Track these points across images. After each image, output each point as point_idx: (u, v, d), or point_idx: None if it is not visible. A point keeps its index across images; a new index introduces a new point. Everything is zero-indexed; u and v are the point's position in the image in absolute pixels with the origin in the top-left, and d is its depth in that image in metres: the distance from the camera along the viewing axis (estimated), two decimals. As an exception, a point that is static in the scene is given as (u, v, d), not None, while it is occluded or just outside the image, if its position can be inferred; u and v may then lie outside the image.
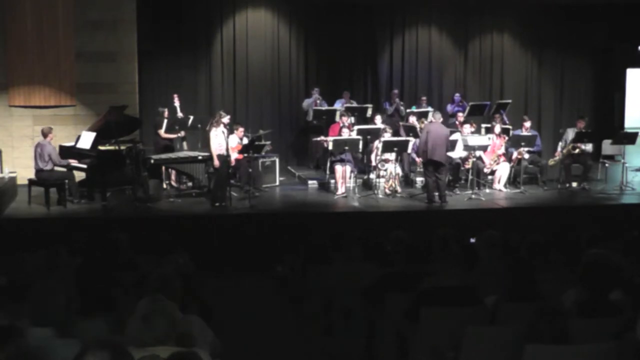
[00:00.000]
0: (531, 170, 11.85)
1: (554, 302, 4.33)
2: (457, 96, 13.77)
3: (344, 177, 10.81)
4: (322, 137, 11.83)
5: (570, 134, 11.69)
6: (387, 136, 11.03)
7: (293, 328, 6.51)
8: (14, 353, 2.93)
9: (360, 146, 10.98)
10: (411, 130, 11.81)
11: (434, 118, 10.65)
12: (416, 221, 9.43)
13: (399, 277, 5.08)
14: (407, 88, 14.55)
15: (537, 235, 6.32)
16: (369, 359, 5.26)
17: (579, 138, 11.44)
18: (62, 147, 10.38)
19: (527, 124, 11.65)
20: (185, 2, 13.39)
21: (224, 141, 10.08)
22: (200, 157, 10.40)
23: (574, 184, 11.51)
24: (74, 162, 10.06)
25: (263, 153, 11.44)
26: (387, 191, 10.84)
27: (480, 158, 11.31)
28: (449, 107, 13.50)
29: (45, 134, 9.98)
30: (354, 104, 13.07)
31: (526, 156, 11.49)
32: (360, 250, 6.51)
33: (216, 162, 10.04)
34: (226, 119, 10.32)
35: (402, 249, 5.29)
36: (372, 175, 11.17)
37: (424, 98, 13.62)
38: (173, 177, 11.35)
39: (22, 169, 11.00)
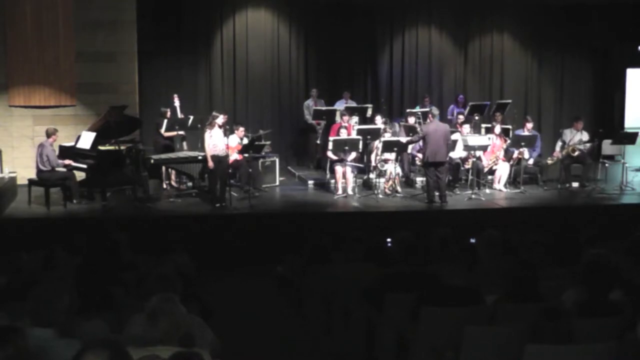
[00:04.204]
0: (531, 170, 11.85)
1: (554, 302, 4.34)
2: (461, 97, 13.74)
3: (344, 177, 10.81)
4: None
5: (568, 135, 11.71)
6: (387, 136, 11.04)
7: (293, 328, 6.51)
8: (14, 353, 2.93)
9: (361, 146, 10.97)
10: (411, 130, 11.80)
11: (432, 114, 10.62)
12: (416, 221, 9.42)
13: (399, 277, 5.08)
14: (407, 88, 14.56)
15: (537, 235, 6.33)
16: (369, 359, 5.26)
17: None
18: (62, 147, 10.38)
19: (530, 124, 11.64)
20: (185, 2, 13.39)
21: (219, 142, 10.06)
22: (200, 157, 10.39)
23: (574, 184, 11.52)
24: (69, 162, 10.05)
25: (263, 153, 11.44)
26: (387, 191, 10.85)
27: (479, 158, 11.31)
28: (455, 110, 13.42)
29: (48, 135, 10.00)
30: (354, 104, 13.06)
31: (526, 155, 11.49)
32: (360, 250, 6.51)
33: (210, 164, 10.03)
34: (220, 120, 10.20)
35: (405, 250, 5.29)
36: (372, 175, 11.17)
37: (427, 98, 13.60)
38: (173, 177, 11.35)
39: (22, 169, 11.00)
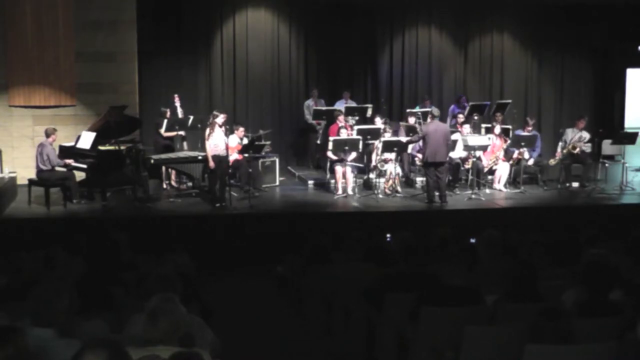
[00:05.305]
0: (531, 170, 11.85)
1: (554, 302, 4.34)
2: (462, 98, 13.73)
3: (344, 177, 10.81)
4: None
5: (570, 134, 11.70)
6: (387, 136, 11.04)
7: (293, 328, 6.51)
8: (14, 353, 2.93)
9: (361, 146, 10.97)
10: (411, 130, 11.81)
11: (433, 113, 10.62)
12: (416, 221, 9.42)
13: (399, 277, 5.08)
14: (407, 88, 14.56)
15: (537, 235, 6.33)
16: (369, 359, 5.26)
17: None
18: (62, 147, 10.39)
19: (530, 127, 11.63)
20: (185, 2, 13.39)
21: (220, 141, 10.07)
22: (200, 157, 10.39)
23: (574, 184, 11.52)
24: (70, 162, 10.06)
25: (263, 153, 11.44)
26: (387, 191, 10.85)
27: (479, 158, 11.31)
28: (455, 110, 13.41)
29: (48, 134, 10.02)
30: (354, 104, 13.06)
31: (526, 155, 11.49)
32: (360, 250, 6.51)
33: (211, 164, 10.03)
34: (220, 119, 10.17)
35: (405, 250, 5.29)
36: (372, 175, 11.17)
37: (428, 101, 13.57)
38: (173, 177, 11.35)
39: (22, 169, 11.00)
